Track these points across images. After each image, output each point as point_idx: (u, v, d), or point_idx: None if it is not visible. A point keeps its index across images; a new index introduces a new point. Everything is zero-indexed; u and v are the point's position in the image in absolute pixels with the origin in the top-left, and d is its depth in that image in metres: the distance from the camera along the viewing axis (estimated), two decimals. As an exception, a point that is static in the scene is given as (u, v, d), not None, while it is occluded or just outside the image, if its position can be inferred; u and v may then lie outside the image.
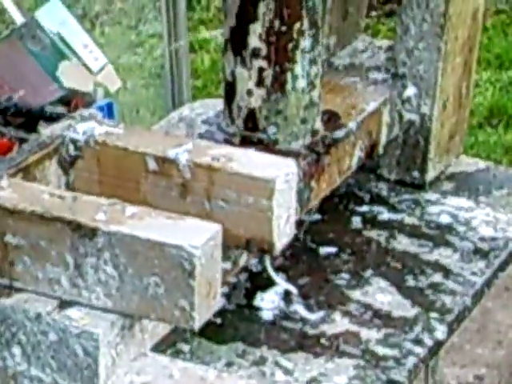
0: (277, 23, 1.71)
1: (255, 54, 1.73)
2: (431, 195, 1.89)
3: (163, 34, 3.08)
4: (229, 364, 1.56)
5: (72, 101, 2.83)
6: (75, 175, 1.56)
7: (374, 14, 4.29)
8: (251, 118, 1.76)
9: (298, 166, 1.54)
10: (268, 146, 1.76)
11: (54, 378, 1.43)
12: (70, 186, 1.55)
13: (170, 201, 1.50)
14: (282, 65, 1.74)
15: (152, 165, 1.50)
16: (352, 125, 1.80)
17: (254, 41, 1.72)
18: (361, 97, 1.86)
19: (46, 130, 1.60)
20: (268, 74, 1.74)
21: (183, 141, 1.53)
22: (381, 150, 1.88)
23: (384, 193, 1.90)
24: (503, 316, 3.37)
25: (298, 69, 1.76)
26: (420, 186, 1.90)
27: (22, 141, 2.01)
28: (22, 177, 1.50)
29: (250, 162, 1.49)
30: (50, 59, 3.00)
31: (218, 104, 1.99)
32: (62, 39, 3.01)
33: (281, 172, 1.47)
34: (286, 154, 1.72)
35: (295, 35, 1.73)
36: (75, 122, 1.58)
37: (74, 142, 1.54)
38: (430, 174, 1.89)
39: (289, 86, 1.76)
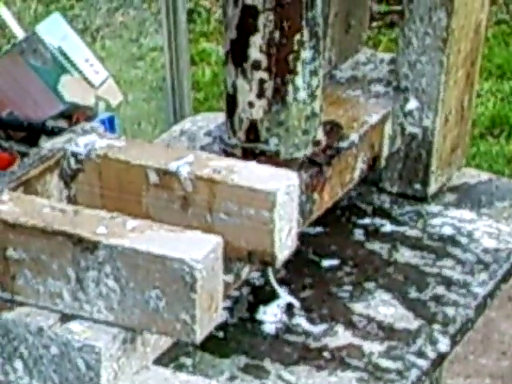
0: (277, 35, 1.71)
1: (256, 65, 1.73)
2: (433, 207, 1.89)
3: (164, 47, 3.07)
4: (232, 378, 1.55)
5: (73, 115, 2.82)
6: (77, 188, 1.55)
7: (374, 24, 4.28)
8: (253, 130, 1.76)
9: (299, 178, 1.52)
10: (270, 158, 1.75)
11: (56, 392, 1.41)
12: (71, 200, 1.55)
13: (171, 213, 1.49)
14: (282, 76, 1.74)
15: (153, 178, 1.49)
16: (354, 137, 1.79)
17: (254, 53, 1.72)
18: (363, 109, 1.86)
19: (47, 144, 1.60)
20: (269, 86, 1.74)
21: (184, 153, 1.52)
22: (383, 162, 1.88)
23: (386, 205, 1.90)
24: (507, 326, 3.37)
25: (298, 80, 1.75)
26: (422, 199, 1.89)
27: (24, 155, 2.00)
28: (23, 190, 1.49)
29: (251, 174, 1.48)
30: (51, 73, 2.99)
31: (220, 117, 1.99)
32: (63, 53, 3.01)
33: (282, 184, 1.45)
34: (288, 165, 1.71)
35: (296, 46, 1.73)
36: (76, 135, 1.57)
37: (75, 155, 1.54)
38: (432, 187, 1.89)
39: (290, 98, 1.76)
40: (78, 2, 5.19)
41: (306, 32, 1.74)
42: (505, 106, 4.54)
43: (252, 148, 1.77)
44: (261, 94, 1.74)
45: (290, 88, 1.75)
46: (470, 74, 1.85)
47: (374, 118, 1.84)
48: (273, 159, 1.75)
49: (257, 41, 1.71)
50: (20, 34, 3.25)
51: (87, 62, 2.98)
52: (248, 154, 1.75)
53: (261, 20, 1.70)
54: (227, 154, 1.75)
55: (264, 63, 1.73)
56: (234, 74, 1.74)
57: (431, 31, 1.78)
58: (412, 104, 1.83)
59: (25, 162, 1.56)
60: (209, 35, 5.19)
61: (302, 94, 1.77)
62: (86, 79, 2.96)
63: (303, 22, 1.73)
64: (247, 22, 1.71)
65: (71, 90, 2.94)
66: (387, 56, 1.97)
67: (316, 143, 1.78)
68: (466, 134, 1.92)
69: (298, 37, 1.73)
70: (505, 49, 4.96)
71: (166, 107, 3.00)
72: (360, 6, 1.82)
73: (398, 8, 1.89)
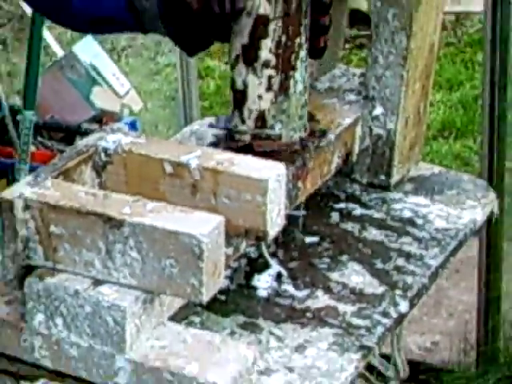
0: (284, 38, 1.73)
1: (266, 64, 1.73)
2: (395, 195, 1.89)
3: (176, 64, 3.07)
4: (232, 333, 1.57)
5: (103, 119, 2.85)
6: (106, 177, 1.58)
7: (347, 46, 4.27)
8: (261, 118, 1.77)
9: (287, 168, 1.54)
10: (274, 140, 1.78)
11: (89, 343, 1.44)
12: (101, 186, 1.57)
13: (182, 198, 1.52)
14: (286, 72, 1.76)
15: (168, 168, 1.52)
16: (331, 136, 1.81)
17: (264, 54, 1.73)
18: (338, 114, 1.87)
19: (82, 141, 1.62)
20: (275, 81, 1.75)
21: (193, 149, 1.55)
22: (354, 157, 1.89)
23: (357, 193, 1.90)
24: (454, 293, 3.38)
25: (297, 75, 1.77)
26: (386, 188, 1.89)
27: (62, 152, 2.02)
28: (62, 179, 1.51)
29: (248, 165, 1.51)
30: (84, 85, 3.02)
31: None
32: (95, 69, 3.03)
33: (273, 174, 1.48)
34: (289, 145, 1.77)
35: (296, 48, 1.75)
36: (106, 134, 1.59)
37: (105, 150, 1.57)
38: (395, 178, 1.89)
39: (291, 90, 1.77)
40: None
41: (303, 36, 1.76)
42: (453, 112, 4.56)
43: (260, 133, 1.78)
44: (269, 88, 1.75)
45: (292, 82, 1.77)
46: (425, 85, 1.86)
47: (347, 121, 1.86)
48: (276, 141, 1.77)
49: (267, 44, 1.73)
50: (60, 53, 3.25)
51: (114, 75, 3.02)
52: (256, 139, 1.77)
53: (271, 26, 1.71)
54: (235, 140, 1.78)
55: (272, 62, 1.74)
56: (245, 72, 1.74)
57: (394, 50, 1.79)
58: (378, 110, 1.84)
59: (64, 156, 1.58)
60: (212, 55, 5.17)
61: (299, 87, 1.79)
62: (113, 90, 2.99)
63: (302, 28, 1.75)
64: (259, 28, 1.72)
65: (101, 99, 2.97)
66: (358, 71, 1.98)
67: (305, 129, 1.82)
68: (421, 135, 1.94)
69: (298, 40, 1.75)
70: (452, 66, 4.97)
71: (178, 113, 3.00)
72: (336, 31, 1.82)
73: (367, 32, 1.89)
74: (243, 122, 1.78)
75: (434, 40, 1.85)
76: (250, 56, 1.74)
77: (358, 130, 1.87)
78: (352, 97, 1.90)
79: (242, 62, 1.75)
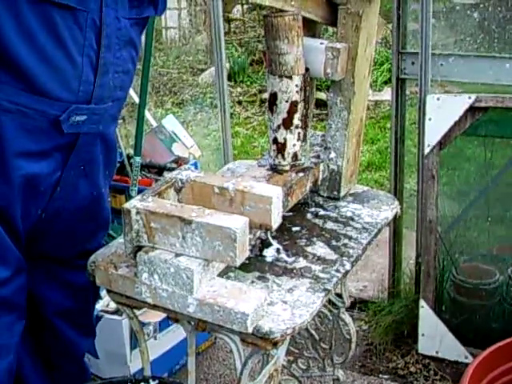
0: (304, 112, 1.72)
1: (297, 126, 1.71)
2: (342, 203, 1.85)
3: (219, 129, 3.06)
4: (252, 282, 1.55)
5: (179, 161, 2.86)
6: (181, 196, 1.55)
7: (314, 119, 4.25)
8: (295, 156, 1.76)
9: (282, 189, 1.53)
10: (300, 167, 1.78)
11: (173, 289, 1.43)
12: (179, 201, 1.55)
13: (224, 207, 1.49)
14: (305, 130, 1.75)
15: (216, 190, 1.50)
16: (307, 171, 1.78)
17: (296, 121, 1.71)
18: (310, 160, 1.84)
19: (168, 175, 1.61)
20: (301, 135, 1.74)
21: (230, 179, 1.53)
22: (319, 182, 1.85)
23: (321, 202, 1.86)
24: (376, 258, 3.36)
25: (309, 130, 1.78)
26: (337, 199, 1.86)
27: (157, 180, 2.00)
28: (157, 196, 1.50)
29: (261, 187, 1.49)
30: (168, 142, 3.02)
31: (246, 162, 2.01)
32: (174, 133, 3.03)
33: (275, 193, 1.47)
34: (307, 169, 1.78)
35: (309, 116, 1.77)
36: (181, 171, 1.58)
37: (181, 180, 1.55)
38: (342, 193, 1.85)
39: (307, 139, 1.78)
40: (177, 107, 5.20)
41: (310, 110, 1.78)
42: (373, 156, 4.57)
43: (294, 164, 1.76)
44: (298, 139, 1.74)
45: (307, 135, 1.76)
46: (358, 141, 1.84)
47: (315, 162, 1.84)
48: (301, 167, 1.77)
49: (297, 115, 1.71)
50: (154, 124, 3.26)
51: (185, 137, 3.01)
52: (292, 167, 1.76)
53: (299, 106, 1.70)
54: (278, 170, 1.77)
55: (300, 125, 1.72)
56: (285, 133, 1.73)
57: (340, 121, 1.77)
58: (332, 155, 1.82)
59: (158, 183, 1.57)
60: (239, 124, 5.18)
61: (308, 136, 1.78)
62: (184, 145, 2.98)
63: (310, 105, 1.76)
64: (293, 108, 1.70)
65: (178, 150, 2.97)
66: (320, 133, 1.95)
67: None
68: (356, 169, 1.90)
69: (309, 111, 1.75)
70: (373, 130, 4.97)
71: (220, 158, 2.98)
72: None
73: (325, 111, 1.86)
74: (284, 159, 1.76)
75: (363, 115, 1.83)
76: (287, 123, 1.72)
77: (321, 167, 1.84)
78: (318, 148, 1.88)
79: (282, 128, 1.72)
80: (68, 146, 1.58)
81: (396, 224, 2.92)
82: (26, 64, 1.42)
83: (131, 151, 2.86)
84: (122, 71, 1.60)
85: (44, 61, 1.44)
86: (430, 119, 2.54)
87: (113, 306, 2.40)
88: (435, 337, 2.66)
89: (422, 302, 2.67)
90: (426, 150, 2.58)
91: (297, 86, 1.66)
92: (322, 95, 4.36)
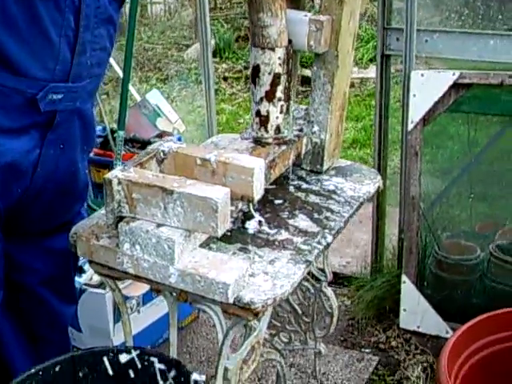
0: (286, 84, 1.71)
1: (279, 99, 1.71)
2: (325, 176, 1.84)
3: (204, 105, 3.05)
4: (234, 253, 1.55)
5: (163, 136, 2.86)
6: (163, 167, 1.55)
7: (300, 96, 4.24)
8: (278, 129, 1.76)
9: (265, 161, 1.52)
10: (283, 140, 1.77)
11: (155, 259, 1.43)
12: (161, 171, 1.54)
13: (207, 179, 1.48)
14: (288, 102, 1.74)
15: (199, 161, 1.50)
16: (290, 143, 1.78)
17: (278, 94, 1.71)
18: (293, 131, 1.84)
19: (149, 146, 1.60)
20: (284, 108, 1.73)
21: (212, 150, 1.52)
22: (302, 155, 1.85)
23: (304, 175, 1.85)
24: (359, 234, 3.39)
25: (292, 103, 1.77)
26: (320, 172, 1.85)
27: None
28: (139, 167, 1.49)
29: (243, 159, 1.48)
30: (152, 117, 3.02)
31: (229, 136, 1.98)
32: (158, 108, 3.03)
33: (257, 164, 1.47)
34: (290, 141, 1.77)
35: (291, 88, 1.76)
36: (163, 142, 1.57)
37: (163, 151, 1.54)
38: (325, 167, 1.85)
39: (290, 112, 1.77)
40: (162, 83, 5.17)
41: (293, 82, 1.77)
42: (358, 134, 4.57)
43: (277, 137, 1.76)
44: (281, 112, 1.73)
45: (290, 108, 1.75)
46: (341, 115, 1.83)
47: (298, 135, 1.83)
48: (285, 140, 1.76)
49: (280, 88, 1.70)
50: (138, 98, 3.25)
51: (169, 112, 3.01)
52: (275, 140, 1.76)
53: (282, 79, 1.69)
54: (261, 143, 1.76)
55: (282, 97, 1.72)
56: (267, 105, 1.72)
57: (324, 94, 1.76)
58: (315, 128, 1.81)
59: (140, 154, 1.56)
60: (225, 101, 5.16)
61: (292, 109, 1.78)
62: (168, 120, 2.98)
63: (293, 78, 1.76)
64: (276, 80, 1.69)
65: (162, 125, 2.97)
66: (304, 107, 1.93)
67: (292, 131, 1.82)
68: (340, 143, 1.90)
69: (292, 84, 1.74)
70: (359, 107, 4.97)
71: (204, 134, 2.98)
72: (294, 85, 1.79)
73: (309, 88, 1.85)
74: (267, 132, 1.75)
75: (346, 89, 1.82)
76: (270, 96, 1.71)
77: (304, 140, 1.84)
78: (301, 121, 1.87)
79: (265, 100, 1.72)
80: (45, 124, 1.60)
81: (379, 201, 2.94)
82: (3, 45, 1.44)
83: (115, 126, 2.85)
84: (99, 48, 1.62)
85: (21, 42, 1.45)
86: (414, 95, 2.55)
87: (96, 279, 2.41)
88: (417, 312, 2.70)
89: (404, 278, 2.70)
90: (410, 127, 2.59)
91: (279, 58, 1.66)
92: (308, 72, 4.35)
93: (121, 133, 2.69)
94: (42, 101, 1.54)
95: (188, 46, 5.70)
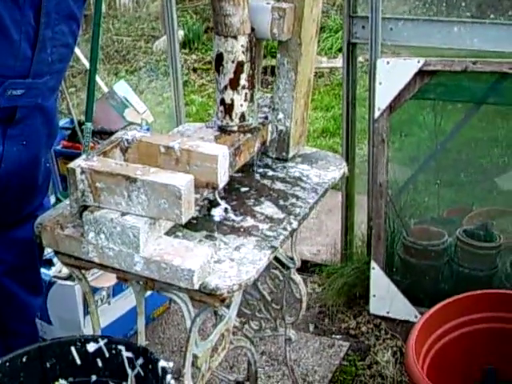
0: (250, 72, 1.72)
1: (243, 87, 1.72)
2: (291, 164, 1.85)
3: (172, 97, 3.03)
4: (200, 241, 1.55)
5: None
6: (127, 156, 1.55)
7: (269, 87, 4.23)
8: (242, 117, 1.76)
9: (229, 149, 1.54)
10: (248, 127, 1.77)
11: (120, 248, 1.43)
12: (125, 160, 1.54)
13: (171, 167, 1.48)
14: (252, 90, 1.74)
15: (162, 149, 1.50)
16: (255, 131, 1.78)
17: (242, 82, 1.71)
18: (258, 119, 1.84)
19: (113, 135, 1.59)
20: (248, 96, 1.74)
21: (176, 138, 1.52)
22: (268, 143, 1.85)
23: (270, 163, 1.86)
24: (329, 223, 3.42)
25: (256, 91, 1.77)
26: (285, 160, 1.85)
27: None
28: (102, 156, 1.49)
29: (207, 147, 1.49)
30: (120, 108, 3.00)
31: (194, 125, 1.99)
32: (126, 99, 3.01)
33: (221, 152, 1.47)
34: (254, 129, 1.77)
35: (255, 76, 1.75)
36: (127, 131, 1.57)
37: (127, 140, 1.54)
38: (290, 154, 1.85)
39: (254, 99, 1.77)
40: (131, 75, 5.15)
41: (258, 70, 1.78)
42: (328, 123, 4.59)
43: (242, 125, 1.76)
44: (245, 100, 1.73)
45: (254, 96, 1.76)
46: (306, 102, 1.83)
47: (263, 123, 1.83)
48: (249, 128, 1.76)
49: (244, 76, 1.70)
50: (105, 89, 3.23)
51: (137, 103, 2.99)
52: (239, 128, 1.75)
53: (245, 66, 1.69)
54: (226, 131, 1.76)
55: (246, 85, 1.72)
56: (232, 93, 1.72)
57: (288, 82, 1.77)
58: (280, 115, 1.81)
59: (103, 143, 1.56)
60: (194, 92, 5.14)
61: (257, 97, 1.78)
62: (136, 111, 2.97)
63: (257, 66, 1.76)
64: (239, 68, 1.69)
65: (129, 116, 2.96)
66: (269, 95, 1.92)
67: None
68: (305, 130, 1.90)
69: (256, 72, 1.74)
70: (328, 97, 4.98)
71: (173, 125, 2.97)
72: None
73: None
74: (232, 120, 1.75)
75: (310, 76, 1.82)
76: (234, 84, 1.71)
77: (269, 128, 1.84)
78: (266, 109, 1.87)
79: (229, 89, 1.72)
80: (6, 119, 1.60)
81: (348, 189, 2.96)
82: None
83: (83, 118, 2.83)
84: (60, 45, 1.61)
85: None
86: (380, 83, 2.57)
87: (65, 271, 2.40)
88: (386, 297, 2.73)
89: (373, 264, 2.73)
90: (377, 114, 2.61)
91: (242, 46, 1.66)
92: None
93: (88, 124, 2.68)
94: (1, 96, 1.53)
95: (157, 38, 5.68)
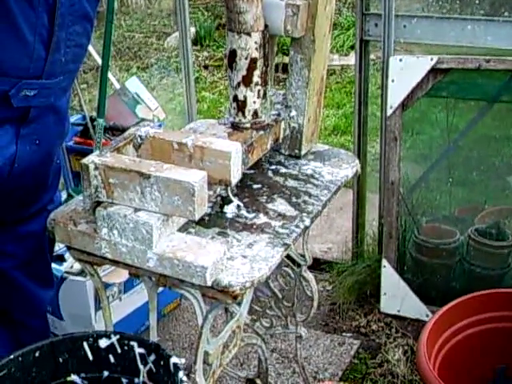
0: (263, 69, 1.72)
1: (256, 84, 1.71)
2: (303, 161, 1.85)
3: (184, 94, 3.04)
4: (212, 237, 1.55)
5: (142, 123, 2.86)
6: (140, 152, 1.55)
7: (281, 84, 4.22)
8: (255, 113, 1.75)
9: (242, 146, 1.54)
10: (261, 124, 1.77)
11: (133, 244, 1.43)
12: (138, 156, 1.54)
13: (183, 163, 1.49)
14: (265, 87, 1.74)
15: (175, 146, 1.50)
16: (268, 128, 1.78)
17: (255, 78, 1.71)
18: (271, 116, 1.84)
19: (127, 131, 1.59)
20: (261, 93, 1.73)
21: (189, 135, 1.53)
22: (280, 140, 1.85)
23: (282, 160, 1.86)
24: (340, 221, 3.41)
25: (269, 88, 1.77)
26: (298, 157, 1.85)
27: None
28: (116, 152, 1.50)
29: (220, 143, 1.49)
30: (132, 105, 3.00)
31: (207, 121, 2.00)
32: (138, 95, 3.01)
33: (234, 148, 1.47)
34: (268, 126, 1.77)
35: (268, 73, 1.76)
36: (140, 127, 1.57)
37: (140, 136, 1.55)
38: (303, 151, 1.85)
39: (267, 96, 1.77)
40: (143, 72, 5.15)
41: (271, 66, 1.77)
42: (339, 121, 4.56)
43: (255, 121, 1.76)
44: (258, 96, 1.73)
45: (267, 93, 1.76)
46: (319, 99, 1.83)
47: (276, 120, 1.83)
48: (262, 124, 1.76)
49: (257, 73, 1.70)
50: (117, 86, 3.23)
51: (149, 99, 2.99)
52: (252, 125, 1.76)
53: (258, 63, 1.69)
54: (239, 127, 1.76)
55: (259, 82, 1.72)
56: (245, 90, 1.72)
57: (301, 79, 1.76)
58: (293, 113, 1.81)
59: (117, 139, 1.56)
60: (205, 89, 5.14)
61: (270, 94, 1.78)
62: (148, 107, 2.97)
63: (270, 62, 1.75)
64: (252, 65, 1.69)
65: (141, 112, 2.96)
66: (282, 92, 1.92)
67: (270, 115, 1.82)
68: (317, 128, 1.90)
69: (269, 69, 1.74)
70: (340, 95, 4.95)
71: (185, 122, 2.97)
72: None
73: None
74: (245, 117, 1.75)
75: (323, 74, 1.82)
76: (247, 81, 1.71)
77: (282, 125, 1.84)
78: (278, 106, 1.87)
79: (242, 85, 1.72)
80: (19, 119, 1.60)
81: (360, 187, 2.95)
82: None
83: (95, 114, 2.84)
84: (74, 45, 1.61)
85: None
86: (392, 81, 2.56)
87: (77, 267, 2.41)
88: (397, 296, 2.72)
89: (384, 262, 2.72)
90: (389, 112, 2.61)
91: (256, 42, 1.66)
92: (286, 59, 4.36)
93: (100, 121, 2.68)
94: (15, 97, 1.54)
95: (168, 34, 5.68)
